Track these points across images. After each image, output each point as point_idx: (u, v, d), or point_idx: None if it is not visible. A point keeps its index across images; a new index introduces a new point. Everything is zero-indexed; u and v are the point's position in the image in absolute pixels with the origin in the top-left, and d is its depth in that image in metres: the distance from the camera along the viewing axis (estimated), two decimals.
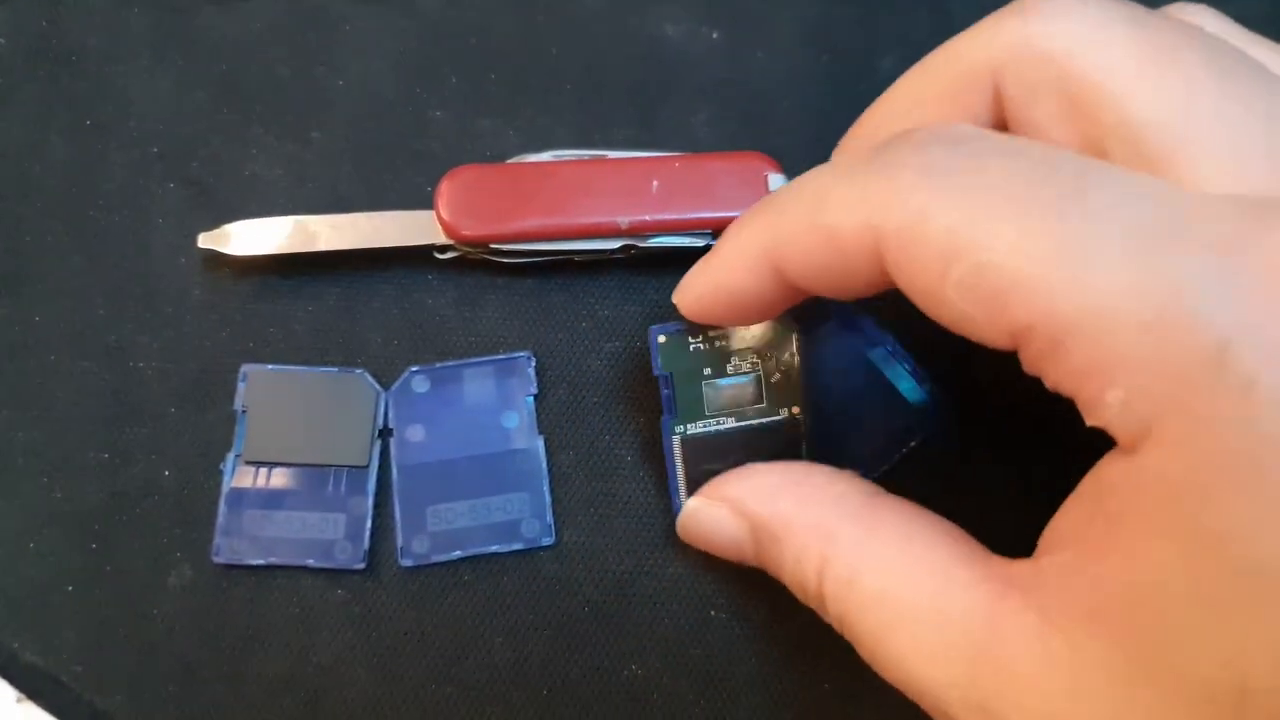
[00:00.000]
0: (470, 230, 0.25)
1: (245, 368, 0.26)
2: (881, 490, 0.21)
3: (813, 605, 0.20)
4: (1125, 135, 0.17)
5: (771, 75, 0.28)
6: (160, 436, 0.25)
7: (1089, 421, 0.15)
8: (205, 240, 0.26)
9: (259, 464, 0.25)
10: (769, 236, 0.19)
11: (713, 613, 0.25)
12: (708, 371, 0.23)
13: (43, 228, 0.27)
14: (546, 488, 0.25)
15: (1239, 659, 0.14)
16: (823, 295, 0.19)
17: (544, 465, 0.25)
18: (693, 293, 0.21)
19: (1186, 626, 0.14)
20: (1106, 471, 0.16)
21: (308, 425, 0.25)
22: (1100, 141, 0.17)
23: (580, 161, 0.26)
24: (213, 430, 0.25)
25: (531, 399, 0.26)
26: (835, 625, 0.19)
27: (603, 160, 0.26)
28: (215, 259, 0.26)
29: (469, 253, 0.26)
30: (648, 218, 0.25)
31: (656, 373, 0.23)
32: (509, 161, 0.26)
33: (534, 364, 0.26)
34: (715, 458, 0.23)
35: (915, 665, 0.17)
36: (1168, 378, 0.14)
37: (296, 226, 0.26)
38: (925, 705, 0.18)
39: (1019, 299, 0.15)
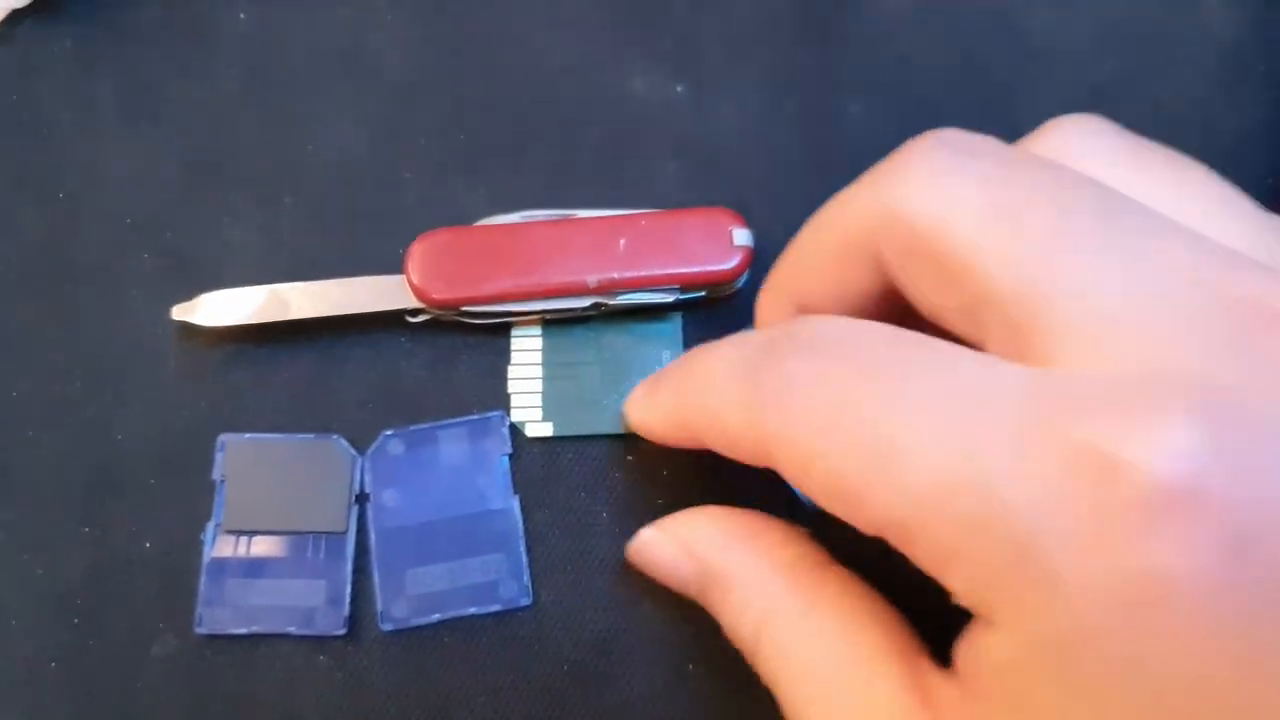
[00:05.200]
0: (440, 294, 0.26)
1: (223, 437, 0.26)
2: (830, 560, 0.21)
3: (744, 653, 0.21)
4: (991, 310, 0.17)
5: (738, 126, 0.29)
6: (140, 508, 0.26)
7: (952, 599, 0.16)
8: (179, 312, 0.26)
9: (239, 533, 0.25)
10: (680, 413, 0.22)
11: (691, 666, 0.25)
12: None
13: (16, 301, 0.27)
14: (522, 548, 0.25)
15: None
16: None
17: (519, 525, 0.25)
18: (634, 423, 0.24)
19: None
20: (976, 629, 0.17)
21: (286, 493, 0.26)
22: (974, 313, 0.17)
23: (547, 222, 0.26)
24: (192, 500, 0.26)
25: (506, 459, 0.26)
26: (761, 677, 0.20)
27: (570, 220, 0.26)
28: (190, 329, 0.26)
29: (440, 315, 0.26)
30: (615, 275, 0.26)
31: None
32: (479, 223, 0.27)
33: (508, 423, 0.26)
34: None
35: None
36: (991, 573, 0.15)
37: (269, 295, 0.26)
38: None
39: (860, 504, 0.17)
